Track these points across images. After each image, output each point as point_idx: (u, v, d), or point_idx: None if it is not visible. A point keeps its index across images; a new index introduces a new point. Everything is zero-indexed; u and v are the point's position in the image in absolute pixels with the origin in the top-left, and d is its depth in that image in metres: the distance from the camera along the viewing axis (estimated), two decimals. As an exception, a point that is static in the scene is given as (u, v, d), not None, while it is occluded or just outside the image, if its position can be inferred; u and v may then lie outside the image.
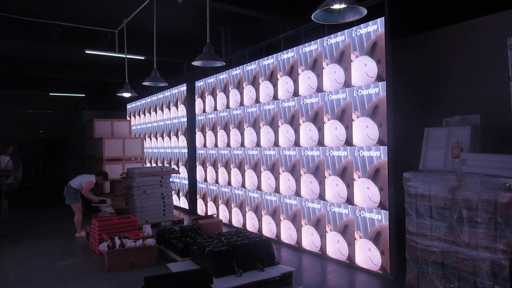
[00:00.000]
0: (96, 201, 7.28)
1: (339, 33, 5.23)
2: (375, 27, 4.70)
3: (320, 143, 5.54)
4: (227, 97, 7.66)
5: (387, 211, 4.60)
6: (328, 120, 5.41)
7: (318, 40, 5.57)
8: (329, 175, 5.37)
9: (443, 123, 4.48)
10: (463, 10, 5.07)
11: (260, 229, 6.72)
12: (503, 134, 4.35)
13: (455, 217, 3.60)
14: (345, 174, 5.16)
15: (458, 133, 4.04)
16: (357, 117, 4.99)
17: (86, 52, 8.51)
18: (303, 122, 5.81)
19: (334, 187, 5.31)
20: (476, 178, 3.46)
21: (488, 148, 4.24)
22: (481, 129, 4.14)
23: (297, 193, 5.90)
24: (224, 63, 5.49)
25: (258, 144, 6.74)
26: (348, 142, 5.12)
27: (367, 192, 4.88)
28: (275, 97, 6.38)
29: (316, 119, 5.60)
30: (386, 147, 4.59)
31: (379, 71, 4.72)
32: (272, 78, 6.46)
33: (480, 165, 3.62)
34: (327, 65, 5.42)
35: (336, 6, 3.06)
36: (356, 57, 4.99)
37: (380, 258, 4.70)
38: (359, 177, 4.97)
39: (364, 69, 4.91)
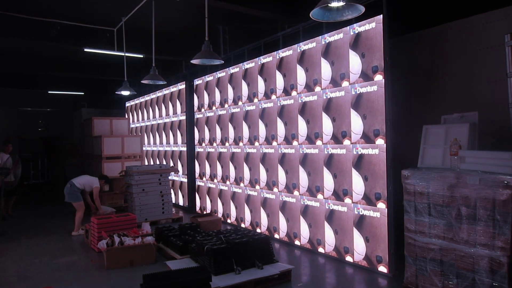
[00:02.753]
0: (101, 212, 7.21)
1: (336, 31, 5.25)
2: (373, 25, 4.70)
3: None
4: (225, 95, 7.66)
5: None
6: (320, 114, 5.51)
7: (315, 38, 5.59)
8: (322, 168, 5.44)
9: (441, 121, 4.48)
10: (459, 8, 5.06)
11: (256, 226, 6.73)
12: (502, 131, 4.35)
13: (454, 215, 3.60)
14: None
15: (457, 131, 4.04)
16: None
17: (85, 50, 8.50)
18: (298, 117, 5.84)
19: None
20: (474, 175, 3.47)
21: (486, 145, 4.25)
22: (480, 126, 4.14)
23: (288, 188, 5.92)
24: (223, 61, 5.49)
25: (254, 141, 6.75)
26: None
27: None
28: (272, 94, 6.38)
29: (307, 113, 5.64)
30: (380, 142, 4.61)
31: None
32: (269, 75, 6.45)
33: (479, 162, 3.63)
34: (321, 61, 5.44)
35: (334, 4, 3.06)
36: (347, 52, 5.06)
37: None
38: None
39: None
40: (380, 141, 4.64)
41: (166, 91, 10.27)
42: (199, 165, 8.76)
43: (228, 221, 7.64)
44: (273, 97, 6.36)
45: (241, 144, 7.19)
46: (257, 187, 6.76)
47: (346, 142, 5.05)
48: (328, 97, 5.32)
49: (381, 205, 4.62)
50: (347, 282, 4.62)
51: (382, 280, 4.51)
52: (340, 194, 5.13)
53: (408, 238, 4.01)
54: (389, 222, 4.53)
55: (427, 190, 3.81)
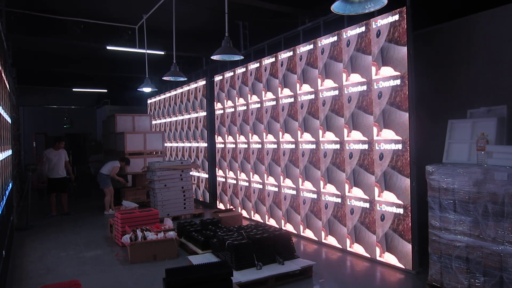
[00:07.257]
0: (122, 182, 8.96)
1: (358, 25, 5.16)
2: (396, 17, 4.59)
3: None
4: (246, 90, 7.66)
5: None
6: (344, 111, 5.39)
7: (336, 32, 5.51)
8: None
9: (467, 115, 4.35)
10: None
11: (271, 221, 6.74)
12: (532, 126, 4.19)
13: (480, 211, 3.50)
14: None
15: (484, 125, 3.92)
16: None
17: (108, 48, 8.65)
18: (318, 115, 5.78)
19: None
20: (502, 171, 3.36)
21: (515, 140, 4.10)
22: (508, 120, 4.00)
23: (315, 185, 5.89)
24: (243, 57, 5.48)
25: (276, 138, 6.74)
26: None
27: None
28: (293, 91, 6.34)
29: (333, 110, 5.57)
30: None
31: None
32: (290, 70, 6.41)
33: (507, 157, 3.51)
34: (346, 56, 5.36)
35: (356, -4, 3.00)
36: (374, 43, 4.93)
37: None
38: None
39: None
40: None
41: (186, 88, 10.37)
42: (220, 161, 8.82)
43: (249, 216, 7.67)
44: (297, 94, 6.32)
45: (261, 139, 7.19)
46: (282, 183, 6.75)
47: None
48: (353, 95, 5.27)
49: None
50: (368, 278, 4.57)
51: (405, 277, 4.45)
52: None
53: (432, 235, 3.93)
54: (413, 219, 4.45)
55: (452, 186, 3.71)
